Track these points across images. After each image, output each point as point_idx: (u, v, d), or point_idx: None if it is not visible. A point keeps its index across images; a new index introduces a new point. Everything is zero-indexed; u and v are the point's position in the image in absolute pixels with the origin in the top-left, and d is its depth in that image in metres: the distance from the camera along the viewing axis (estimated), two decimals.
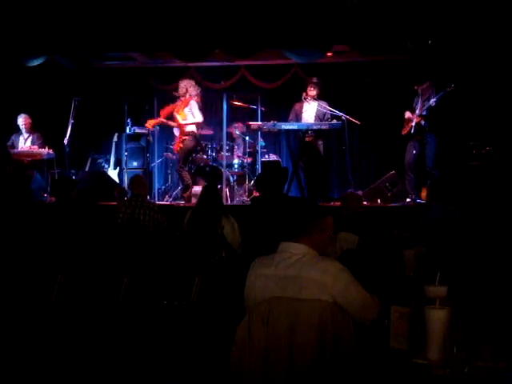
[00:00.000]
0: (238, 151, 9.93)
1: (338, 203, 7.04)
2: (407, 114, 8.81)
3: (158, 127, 9.70)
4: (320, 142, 9.08)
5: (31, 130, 9.75)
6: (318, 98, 9.15)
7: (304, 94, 9.10)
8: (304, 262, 2.85)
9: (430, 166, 8.57)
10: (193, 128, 9.19)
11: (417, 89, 8.84)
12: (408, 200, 8.64)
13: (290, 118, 9.23)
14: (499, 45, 7.99)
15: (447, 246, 4.72)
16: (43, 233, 5.92)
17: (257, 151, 9.75)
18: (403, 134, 8.85)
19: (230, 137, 10.02)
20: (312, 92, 9.10)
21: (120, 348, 4.20)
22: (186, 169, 9.30)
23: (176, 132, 9.85)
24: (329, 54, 9.20)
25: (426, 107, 8.55)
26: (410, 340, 2.32)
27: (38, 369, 4.09)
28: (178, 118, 9.16)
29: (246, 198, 9.29)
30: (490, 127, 8.69)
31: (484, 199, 7.82)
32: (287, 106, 9.68)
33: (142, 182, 6.86)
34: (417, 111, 8.66)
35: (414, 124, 8.60)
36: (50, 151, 9.48)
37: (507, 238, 4.88)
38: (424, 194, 8.38)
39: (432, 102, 8.47)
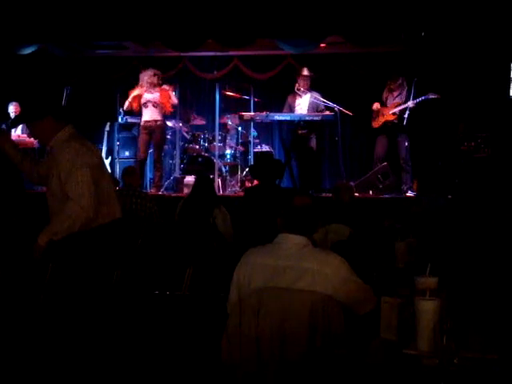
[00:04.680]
0: (231, 142, 9.91)
1: (330, 194, 7.05)
2: (376, 106, 8.88)
3: None
4: (312, 136, 9.02)
5: None
6: (311, 89, 9.08)
7: (296, 86, 9.04)
8: (304, 253, 2.87)
9: (404, 159, 8.72)
10: None
11: (389, 84, 8.91)
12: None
13: (283, 111, 9.15)
14: (491, 35, 8.01)
15: (438, 237, 4.74)
16: (34, 222, 5.89)
17: (249, 142, 9.74)
18: (375, 127, 8.94)
19: (224, 127, 10.00)
20: (302, 84, 9.01)
21: (112, 339, 4.20)
22: None
23: (170, 123, 9.83)
24: (322, 44, 9.17)
25: (401, 108, 8.62)
26: (400, 331, 2.33)
27: (31, 361, 4.10)
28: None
29: (238, 189, 9.29)
30: (481, 119, 8.70)
31: (476, 191, 7.85)
32: (280, 96, 9.64)
33: (133, 172, 6.88)
34: (393, 110, 8.71)
35: (384, 120, 8.78)
36: None
37: (497, 229, 4.90)
38: (415, 185, 8.41)
39: (410, 103, 8.53)
